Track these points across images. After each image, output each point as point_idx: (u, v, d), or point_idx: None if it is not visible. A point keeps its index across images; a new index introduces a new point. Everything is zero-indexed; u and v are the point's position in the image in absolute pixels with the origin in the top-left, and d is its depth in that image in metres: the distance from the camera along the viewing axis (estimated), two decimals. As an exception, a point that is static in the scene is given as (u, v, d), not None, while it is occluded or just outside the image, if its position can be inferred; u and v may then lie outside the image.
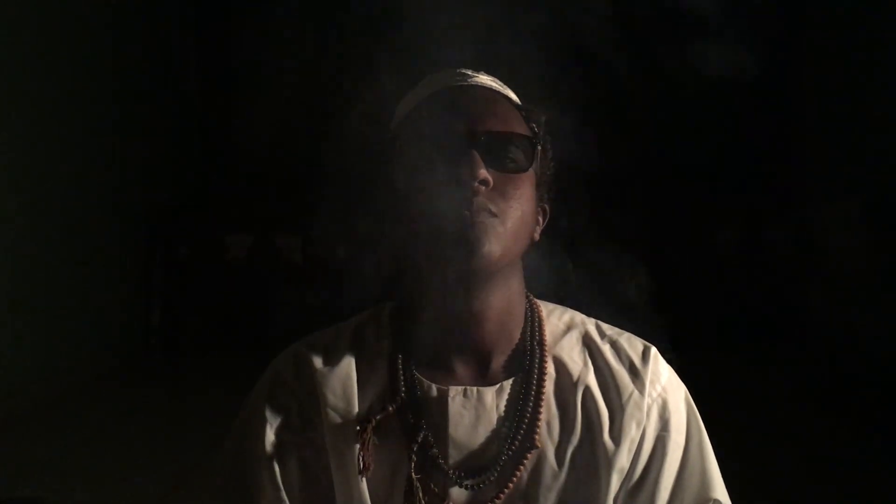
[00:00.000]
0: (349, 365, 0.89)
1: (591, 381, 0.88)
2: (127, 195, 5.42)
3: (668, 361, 0.92)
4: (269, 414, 0.89)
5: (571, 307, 0.97)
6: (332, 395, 0.87)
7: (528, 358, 0.88)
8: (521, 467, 0.83)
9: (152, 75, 5.75)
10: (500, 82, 0.92)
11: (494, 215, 0.81)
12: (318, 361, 0.89)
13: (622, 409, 0.86)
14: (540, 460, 0.84)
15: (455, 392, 0.85)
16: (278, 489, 0.86)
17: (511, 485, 0.83)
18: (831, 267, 4.94)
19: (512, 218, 0.82)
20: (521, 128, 0.87)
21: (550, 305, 0.95)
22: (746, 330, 5.26)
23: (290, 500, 0.86)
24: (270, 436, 0.87)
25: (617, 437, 0.85)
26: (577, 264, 1.00)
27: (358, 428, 0.84)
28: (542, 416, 0.85)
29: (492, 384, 0.86)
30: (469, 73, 0.91)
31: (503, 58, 1.02)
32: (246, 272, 5.89)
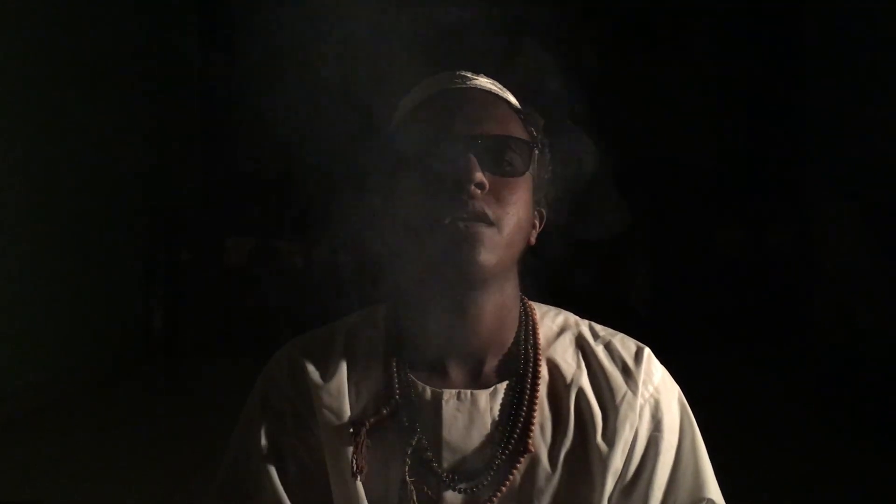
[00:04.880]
0: (343, 366, 0.89)
1: (585, 382, 0.88)
2: (128, 198, 5.43)
3: (667, 362, 0.92)
4: (264, 416, 0.89)
5: (570, 309, 0.97)
6: (327, 396, 0.87)
7: (521, 361, 0.88)
8: (515, 470, 0.83)
9: (154, 78, 5.76)
10: (499, 85, 0.92)
11: (490, 223, 0.81)
12: (311, 362, 0.89)
13: (616, 410, 0.86)
14: (533, 463, 0.84)
15: (449, 395, 0.85)
16: (277, 490, 0.86)
17: (504, 488, 0.83)
18: (832, 268, 4.95)
19: (508, 224, 0.82)
20: (519, 131, 0.87)
21: (544, 307, 0.95)
22: (747, 330, 5.26)
23: (289, 501, 0.86)
24: (267, 438, 0.88)
25: (611, 438, 0.85)
26: (578, 266, 1.00)
27: (351, 430, 0.84)
28: (536, 420, 0.85)
29: (486, 387, 0.86)
30: (468, 75, 0.90)
31: (502, 59, 1.02)
32: (247, 276, 5.90)
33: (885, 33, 4.44)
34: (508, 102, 0.90)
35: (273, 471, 0.86)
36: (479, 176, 0.80)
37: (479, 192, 0.80)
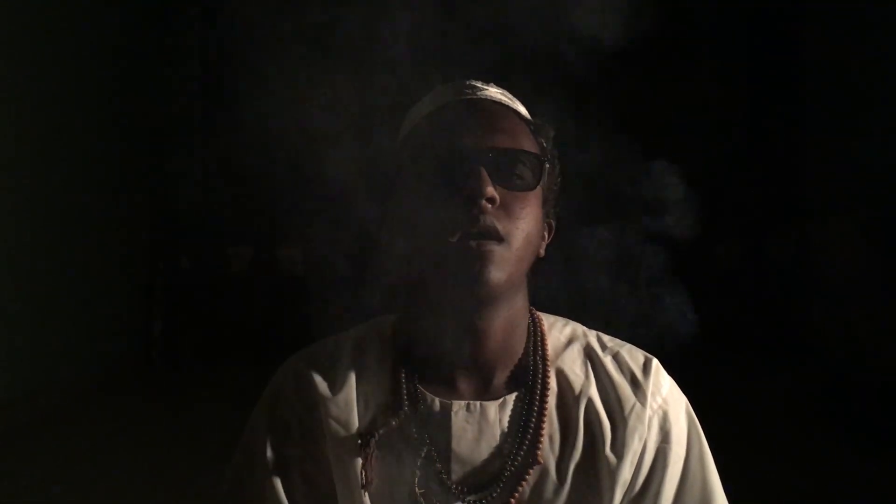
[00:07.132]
0: (351, 378, 0.89)
1: (594, 393, 0.88)
2: (129, 207, 5.43)
3: (669, 373, 0.92)
4: (270, 429, 0.89)
5: (575, 319, 0.97)
6: (335, 408, 0.87)
7: (530, 372, 0.87)
8: (524, 482, 0.83)
9: (156, 87, 5.77)
10: (509, 95, 0.91)
11: (500, 239, 0.80)
12: (319, 374, 0.89)
13: (624, 421, 0.86)
14: (542, 475, 0.84)
15: (458, 406, 0.85)
16: (281, 502, 0.86)
17: (513, 499, 0.83)
18: (831, 279, 4.95)
19: (518, 239, 0.81)
20: (529, 144, 0.86)
21: (552, 318, 0.95)
22: (746, 342, 5.26)
23: None
24: (273, 450, 0.87)
25: (619, 450, 0.85)
26: (578, 276, 1.00)
27: (360, 442, 0.84)
28: (545, 431, 0.85)
29: (495, 399, 0.86)
30: (478, 85, 0.89)
31: (500, 63, 1.02)
32: (247, 284, 5.90)
33: (884, 47, 4.46)
34: (519, 114, 0.90)
35: (278, 483, 0.86)
36: (491, 190, 0.79)
37: (489, 206, 0.79)
